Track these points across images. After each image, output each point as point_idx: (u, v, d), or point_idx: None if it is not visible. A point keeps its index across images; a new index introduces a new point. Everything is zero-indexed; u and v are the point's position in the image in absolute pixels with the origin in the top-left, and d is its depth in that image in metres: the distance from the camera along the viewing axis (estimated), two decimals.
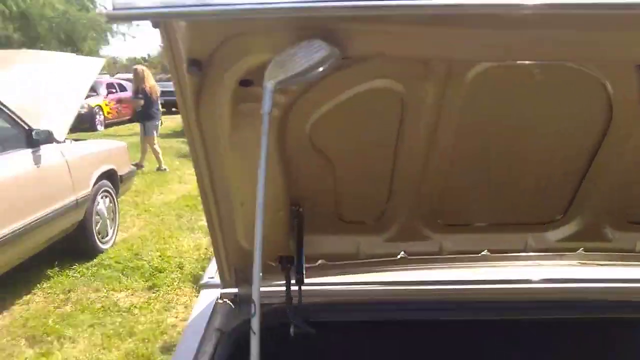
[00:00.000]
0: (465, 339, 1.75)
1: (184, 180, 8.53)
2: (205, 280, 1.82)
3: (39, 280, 4.63)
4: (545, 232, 1.60)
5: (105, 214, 5.30)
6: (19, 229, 4.01)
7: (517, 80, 1.17)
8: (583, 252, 1.62)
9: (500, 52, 1.05)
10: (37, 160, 4.40)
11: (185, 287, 4.64)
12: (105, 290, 4.55)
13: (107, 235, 5.36)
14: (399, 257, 1.60)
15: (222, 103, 1.12)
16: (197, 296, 1.85)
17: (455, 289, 1.66)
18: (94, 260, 5.08)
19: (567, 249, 1.60)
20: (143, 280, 4.72)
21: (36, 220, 4.18)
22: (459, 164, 1.39)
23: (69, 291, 4.52)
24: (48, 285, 4.60)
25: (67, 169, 4.69)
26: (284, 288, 1.57)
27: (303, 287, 1.58)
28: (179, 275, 4.83)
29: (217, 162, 1.25)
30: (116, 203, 5.53)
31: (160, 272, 4.90)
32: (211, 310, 1.56)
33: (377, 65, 1.11)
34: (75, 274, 4.80)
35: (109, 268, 4.94)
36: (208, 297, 1.65)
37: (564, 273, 1.69)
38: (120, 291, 4.55)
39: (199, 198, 1.53)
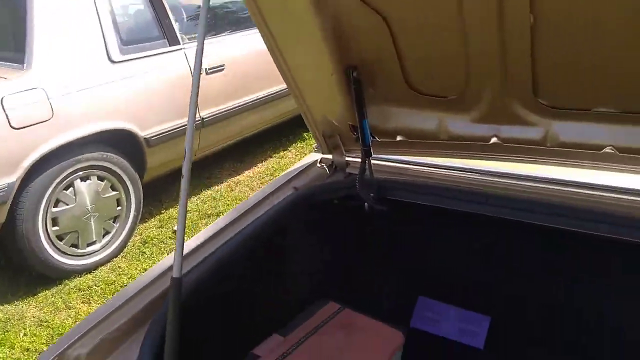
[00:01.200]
0: (560, 250, 1.48)
1: None
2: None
3: (294, 141, 5.41)
4: None
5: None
6: (265, 96, 4.57)
7: None
8: None
9: None
10: None
11: None
12: None
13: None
14: (491, 142, 1.39)
15: None
16: None
17: (559, 189, 1.36)
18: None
19: None
20: None
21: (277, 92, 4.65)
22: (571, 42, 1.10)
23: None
24: (301, 145, 5.37)
25: None
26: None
27: (382, 162, 1.57)
28: None
29: (284, 43, 1.33)
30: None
31: None
32: (301, 169, 1.69)
33: None
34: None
35: None
36: (313, 159, 1.76)
37: None
38: None
39: None
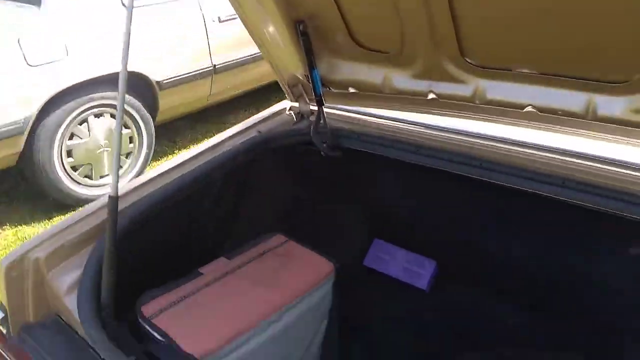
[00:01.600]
0: (485, 200, 1.59)
1: None
2: None
3: None
4: (616, 96, 1.20)
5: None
6: None
7: None
8: None
9: None
10: None
11: None
12: None
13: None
14: (429, 97, 1.49)
15: None
16: None
17: (488, 144, 1.45)
18: None
19: None
20: None
21: None
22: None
23: None
24: None
25: None
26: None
27: (341, 112, 1.69)
28: None
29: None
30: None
31: None
32: (269, 115, 1.83)
33: None
34: None
35: None
36: (282, 105, 1.87)
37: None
38: None
39: None
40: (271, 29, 1.55)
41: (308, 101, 1.79)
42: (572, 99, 1.26)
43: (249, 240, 1.61)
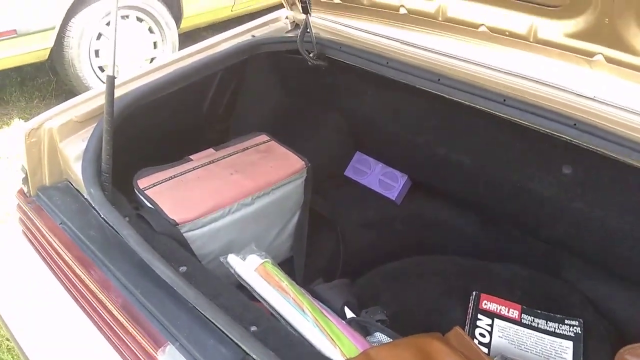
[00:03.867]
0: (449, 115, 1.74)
1: None
2: None
3: None
4: (553, 20, 1.30)
5: None
6: None
7: None
8: (603, 61, 1.31)
9: None
10: None
11: None
12: None
13: None
14: (401, 12, 1.61)
15: None
16: None
17: (447, 61, 1.55)
18: None
19: (581, 50, 1.33)
20: None
21: None
22: None
23: None
24: None
25: None
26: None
27: (324, 22, 1.82)
28: None
29: None
30: None
31: None
32: (265, 21, 1.96)
33: None
34: None
35: None
36: (279, 14, 1.99)
37: (571, 80, 1.35)
38: None
39: None
40: None
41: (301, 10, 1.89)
42: (518, 21, 1.37)
43: (236, 137, 1.82)
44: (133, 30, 3.94)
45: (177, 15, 4.19)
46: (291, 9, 1.95)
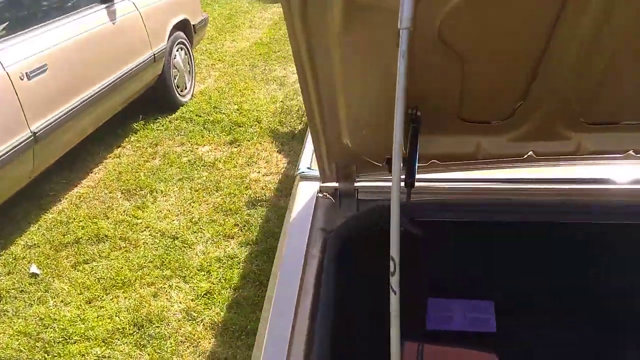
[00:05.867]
0: (591, 244, 1.68)
1: (254, 25, 8.38)
2: (302, 170, 1.78)
3: (126, 134, 4.85)
4: None
5: (182, 67, 5.43)
6: (106, 86, 4.09)
7: None
8: None
9: None
10: (112, 16, 4.26)
11: (264, 141, 4.72)
12: (189, 144, 4.74)
13: (185, 88, 5.55)
14: (524, 157, 1.47)
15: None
16: (291, 181, 1.90)
17: (583, 188, 1.52)
18: (176, 113, 5.28)
19: None
20: (224, 134, 4.85)
21: (119, 77, 4.25)
22: (620, 63, 1.18)
23: (156, 145, 4.73)
24: (135, 138, 4.81)
25: (142, 23, 4.66)
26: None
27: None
28: (258, 129, 4.93)
29: (323, 62, 1.17)
30: (191, 55, 5.68)
31: (239, 126, 5.01)
32: (313, 205, 1.63)
33: None
34: (159, 127, 5.00)
35: (191, 122, 5.14)
36: (306, 189, 1.69)
37: None
38: (204, 145, 4.70)
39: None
40: (369, 111, 1.36)
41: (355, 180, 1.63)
42: None
43: None
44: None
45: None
46: (338, 181, 1.64)
